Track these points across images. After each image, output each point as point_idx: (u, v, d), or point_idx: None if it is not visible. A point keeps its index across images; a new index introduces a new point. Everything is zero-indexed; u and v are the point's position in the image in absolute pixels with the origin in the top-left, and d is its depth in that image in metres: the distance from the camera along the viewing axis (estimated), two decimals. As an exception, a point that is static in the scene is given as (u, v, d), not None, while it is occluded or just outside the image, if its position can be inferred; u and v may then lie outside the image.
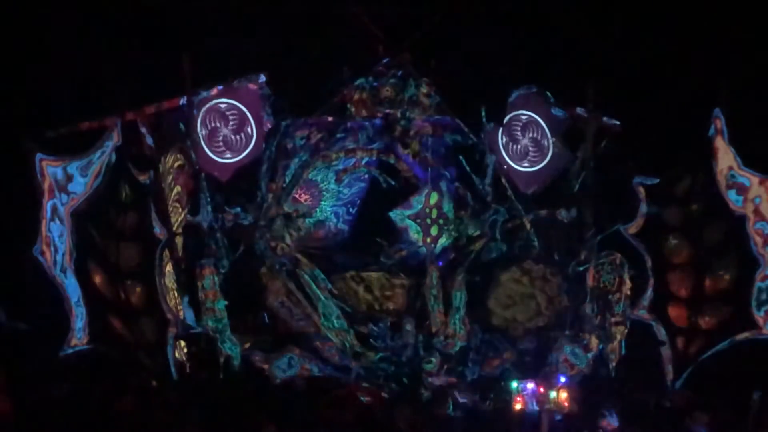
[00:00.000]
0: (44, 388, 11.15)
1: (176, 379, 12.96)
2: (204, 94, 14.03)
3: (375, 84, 14.31)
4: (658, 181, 14.39)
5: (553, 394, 13.00)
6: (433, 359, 14.00)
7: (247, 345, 13.70)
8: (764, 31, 15.00)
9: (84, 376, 11.93)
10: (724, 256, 14.20)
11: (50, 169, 12.78)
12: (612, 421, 11.97)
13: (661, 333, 14.26)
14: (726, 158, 14.17)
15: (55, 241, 12.66)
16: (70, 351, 12.56)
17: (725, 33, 15.00)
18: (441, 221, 14.74)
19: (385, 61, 14.32)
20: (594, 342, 14.24)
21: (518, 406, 12.98)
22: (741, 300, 13.99)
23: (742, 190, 14.12)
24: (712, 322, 14.17)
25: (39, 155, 12.76)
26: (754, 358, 13.71)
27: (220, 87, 14.11)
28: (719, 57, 14.96)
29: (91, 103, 13.50)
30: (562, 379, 13.29)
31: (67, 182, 12.77)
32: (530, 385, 13.17)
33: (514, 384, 13.28)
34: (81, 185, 12.83)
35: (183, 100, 13.87)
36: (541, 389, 13.10)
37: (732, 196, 14.14)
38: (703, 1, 14.79)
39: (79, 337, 12.71)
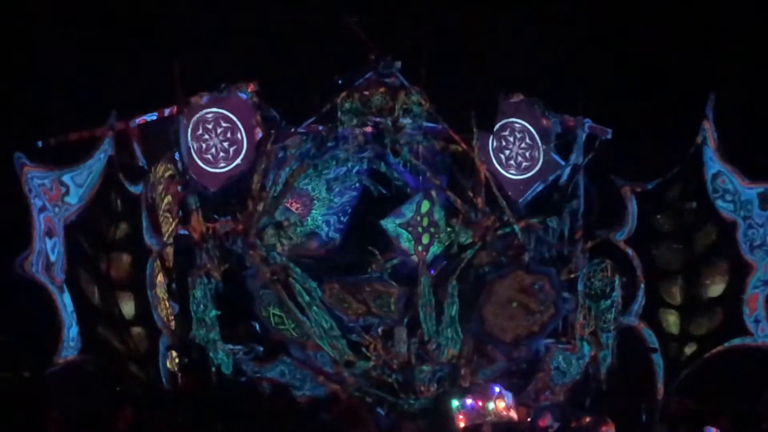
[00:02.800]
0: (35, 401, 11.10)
1: (168, 390, 12.92)
2: (194, 103, 14.03)
3: (366, 93, 14.30)
4: (648, 188, 14.42)
5: (491, 405, 13.05)
6: (425, 368, 14.01)
7: (239, 355, 13.67)
8: (754, 38, 15.08)
9: (75, 389, 11.88)
10: (715, 263, 14.24)
11: (40, 179, 12.72)
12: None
13: (652, 340, 14.30)
14: (716, 165, 14.20)
15: (47, 252, 12.61)
16: (61, 362, 12.50)
17: (716, 40, 15.07)
18: (432, 229, 14.72)
19: (376, 69, 14.30)
20: (585, 349, 14.25)
21: (461, 425, 12.99)
22: (732, 306, 14.02)
23: (732, 196, 14.16)
24: (703, 328, 14.20)
25: (27, 166, 12.72)
26: (746, 364, 13.74)
27: (211, 96, 14.08)
28: (709, 63, 15.03)
29: (81, 114, 13.48)
30: (497, 389, 13.32)
31: (59, 193, 12.72)
32: (469, 401, 13.19)
33: (455, 402, 13.29)
34: (73, 196, 12.78)
35: (173, 110, 13.86)
36: (479, 402, 13.14)
37: (722, 203, 14.17)
38: (693, 8, 14.83)
39: (70, 348, 12.66)
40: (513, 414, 12.88)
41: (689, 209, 14.36)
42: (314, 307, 14.05)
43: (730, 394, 13.82)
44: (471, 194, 14.58)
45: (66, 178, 12.79)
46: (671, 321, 14.30)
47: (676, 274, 14.36)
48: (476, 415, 12.88)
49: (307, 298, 14.05)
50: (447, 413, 13.18)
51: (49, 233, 12.66)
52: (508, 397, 13.00)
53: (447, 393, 13.84)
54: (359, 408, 12.39)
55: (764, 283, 13.94)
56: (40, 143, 13.39)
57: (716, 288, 14.19)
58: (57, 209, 12.72)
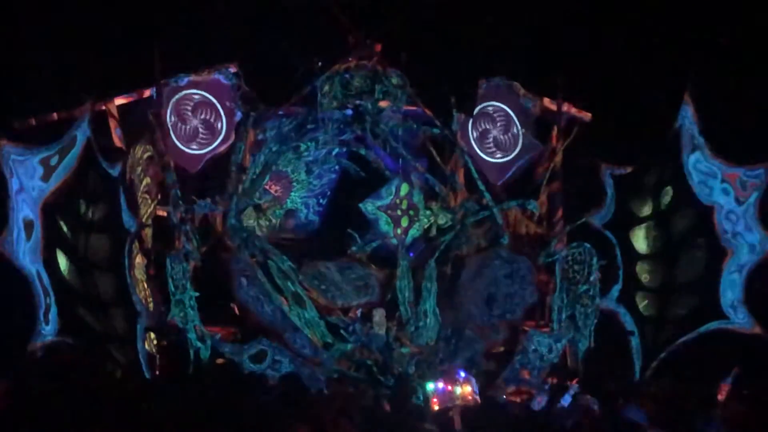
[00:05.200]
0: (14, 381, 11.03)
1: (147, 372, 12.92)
2: (173, 84, 14.00)
3: (346, 75, 14.28)
4: (627, 171, 14.44)
5: (458, 389, 13.11)
6: (404, 350, 14.03)
7: (218, 337, 13.65)
8: (733, 22, 15.10)
9: (54, 369, 11.83)
10: (693, 247, 14.28)
11: (18, 159, 12.65)
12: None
13: (629, 323, 14.34)
14: (694, 149, 14.22)
15: (25, 232, 12.55)
16: (38, 344, 12.46)
17: (694, 23, 15.08)
18: (411, 212, 14.75)
19: (355, 52, 14.28)
20: (564, 332, 14.28)
21: (435, 407, 13.05)
22: (709, 290, 14.08)
23: (710, 180, 14.18)
24: (680, 312, 14.25)
25: (6, 146, 12.64)
26: (722, 348, 13.80)
27: (190, 78, 14.06)
28: (688, 47, 15.05)
29: (60, 94, 13.43)
30: (462, 374, 13.36)
31: (36, 173, 12.65)
32: (440, 385, 13.23)
33: (430, 386, 13.33)
34: (51, 177, 12.71)
35: (152, 91, 13.83)
36: (448, 387, 13.19)
37: (700, 187, 14.20)
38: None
39: (48, 329, 12.62)
40: (478, 398, 12.94)
41: (667, 193, 14.37)
42: (293, 290, 14.06)
43: (707, 377, 13.87)
44: (450, 177, 14.60)
45: (44, 159, 12.70)
46: (648, 304, 14.34)
47: (653, 258, 14.39)
48: (447, 398, 12.94)
49: (285, 280, 14.06)
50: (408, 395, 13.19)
51: (27, 214, 12.57)
52: (473, 382, 13.06)
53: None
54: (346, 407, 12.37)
55: (740, 268, 13.96)
56: (17, 123, 13.29)
57: (693, 272, 14.22)
58: (35, 190, 12.63)
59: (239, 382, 13.01)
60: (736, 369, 12.09)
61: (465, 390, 13.06)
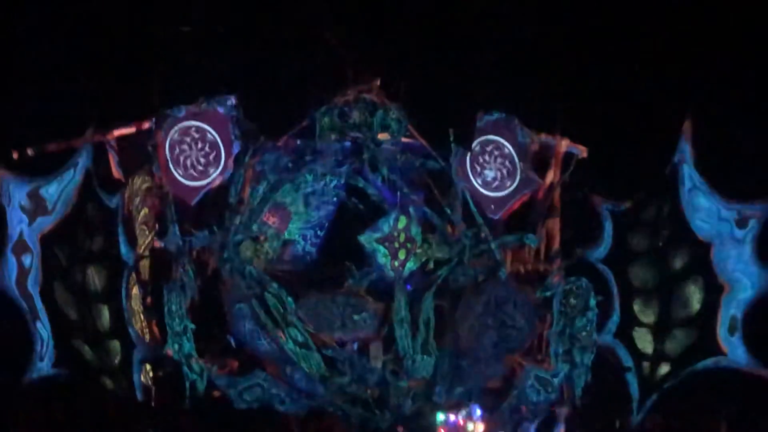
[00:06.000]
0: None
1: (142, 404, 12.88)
2: (172, 115, 14.00)
3: (344, 108, 14.32)
4: (624, 207, 14.47)
5: (470, 426, 13.10)
6: (401, 384, 14.00)
7: (214, 369, 13.62)
8: (731, 58, 15.17)
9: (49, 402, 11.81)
10: (690, 283, 14.28)
11: (17, 190, 12.66)
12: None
13: (626, 358, 14.33)
14: (692, 184, 14.25)
15: (23, 263, 12.55)
16: (35, 376, 12.42)
17: (692, 60, 15.15)
18: (409, 245, 14.72)
19: (354, 84, 14.31)
20: (560, 367, 14.26)
21: None
22: (707, 326, 14.07)
23: (708, 216, 14.21)
24: (677, 348, 14.24)
25: (5, 176, 12.65)
26: (720, 384, 13.79)
27: (189, 109, 14.06)
28: (685, 84, 15.11)
29: (59, 124, 13.44)
30: (478, 412, 13.35)
31: (35, 204, 12.66)
32: (452, 417, 13.21)
33: (441, 416, 13.29)
34: (50, 208, 12.72)
35: (151, 122, 13.84)
36: (461, 422, 13.18)
37: (697, 223, 14.23)
38: (670, 28, 14.91)
39: (44, 361, 12.58)
40: None
41: (665, 229, 14.38)
42: (290, 322, 14.03)
43: (704, 413, 13.88)
44: (448, 211, 14.61)
45: (42, 190, 12.71)
46: (645, 340, 14.32)
47: (650, 294, 14.39)
48: None
49: (282, 312, 14.03)
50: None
51: (24, 244, 12.56)
52: (488, 422, 13.09)
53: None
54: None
55: (738, 304, 13.97)
56: (15, 153, 13.29)
57: (690, 308, 14.22)
58: (33, 220, 12.63)
59: (233, 416, 13.05)
60: (732, 408, 12.08)
61: (478, 429, 13.07)
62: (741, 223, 14.00)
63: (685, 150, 14.21)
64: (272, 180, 14.42)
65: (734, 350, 13.98)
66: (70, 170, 12.94)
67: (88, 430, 11.31)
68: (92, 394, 12.60)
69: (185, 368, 13.43)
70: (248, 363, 13.80)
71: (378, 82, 14.32)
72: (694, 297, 14.21)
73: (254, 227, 14.34)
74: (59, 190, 12.84)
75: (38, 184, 12.75)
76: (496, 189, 14.93)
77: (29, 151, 13.48)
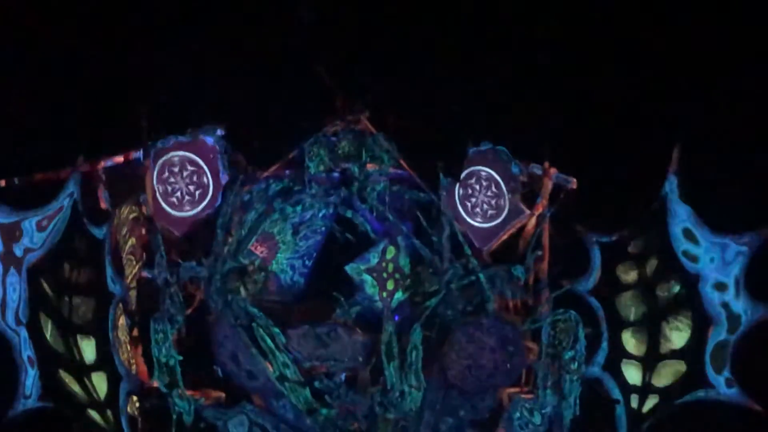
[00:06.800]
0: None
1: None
2: (160, 146, 13.96)
3: (333, 138, 14.32)
4: (613, 239, 14.47)
5: None
6: (389, 416, 13.95)
7: (200, 401, 13.55)
8: (719, 90, 15.22)
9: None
10: (679, 315, 14.29)
11: (4, 222, 12.60)
12: None
13: (615, 391, 14.31)
14: (681, 216, 14.27)
15: (9, 295, 12.48)
16: (20, 410, 12.34)
17: (680, 92, 15.20)
18: (397, 276, 14.69)
19: (343, 116, 14.31)
20: (548, 399, 14.24)
21: None
22: (695, 359, 14.07)
23: (696, 249, 14.22)
24: (665, 381, 14.24)
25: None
26: (708, 418, 13.79)
27: (177, 139, 14.03)
28: (674, 116, 15.15)
29: (46, 156, 13.39)
30: None
31: (22, 236, 12.61)
32: None
33: None
34: (37, 240, 12.67)
35: (139, 153, 13.80)
36: None
37: (686, 255, 14.24)
38: (657, 61, 14.96)
39: (29, 394, 12.50)
40: None
41: (653, 261, 14.40)
42: (277, 353, 13.96)
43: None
44: (436, 242, 14.58)
45: (29, 222, 12.66)
46: (634, 373, 14.32)
47: (639, 326, 14.39)
48: None
49: (270, 343, 13.97)
50: None
51: (10, 277, 12.51)
52: None
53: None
54: None
55: (727, 337, 13.97)
56: (2, 185, 13.24)
57: (679, 340, 14.22)
58: (18, 253, 12.57)
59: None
60: None
61: None
62: (729, 255, 14.01)
63: (673, 182, 14.24)
64: (260, 210, 14.40)
65: (723, 384, 13.96)
66: (57, 202, 12.87)
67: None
68: (78, 428, 12.46)
69: (172, 400, 13.34)
70: (235, 394, 13.74)
71: (367, 113, 14.34)
72: (683, 329, 14.21)
73: (242, 257, 14.30)
74: (47, 222, 12.80)
75: (25, 216, 12.69)
76: (485, 220, 14.93)
77: (15, 181, 13.44)
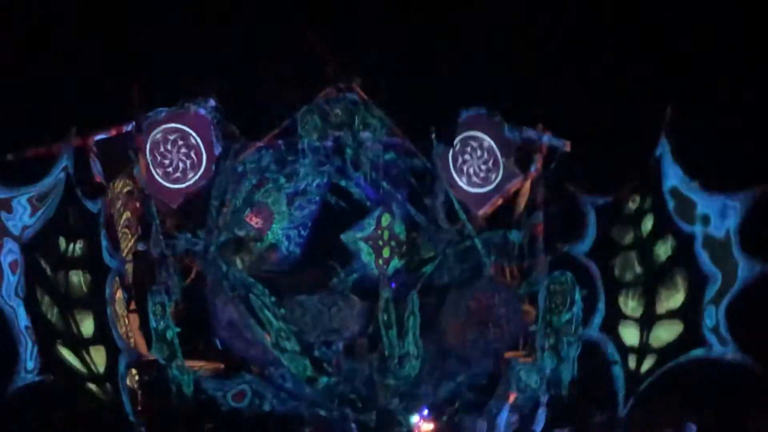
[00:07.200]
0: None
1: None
2: (152, 118, 13.93)
3: (326, 107, 14.28)
4: (607, 200, 14.46)
5: (425, 426, 13.26)
6: (387, 382, 13.98)
7: (199, 372, 13.58)
8: (710, 52, 15.19)
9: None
10: (674, 275, 14.29)
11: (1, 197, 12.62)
12: None
13: (612, 352, 14.33)
14: (674, 177, 14.25)
15: (5, 270, 12.48)
16: (20, 384, 12.37)
17: (671, 54, 15.16)
18: (393, 243, 14.70)
19: (335, 84, 14.27)
20: (547, 362, 14.25)
21: None
22: (691, 318, 14.09)
23: (690, 208, 14.22)
24: (662, 340, 14.25)
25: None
26: (705, 375, 13.81)
27: (169, 111, 13.99)
28: (666, 78, 15.12)
29: (38, 130, 13.36)
30: (425, 412, 13.44)
31: (17, 212, 12.59)
32: (416, 418, 13.38)
33: (414, 419, 13.40)
34: (32, 215, 12.66)
35: (131, 126, 13.77)
36: (420, 423, 13.32)
37: (680, 215, 14.23)
38: (649, 24, 14.92)
39: (29, 368, 12.52)
40: None
41: (648, 222, 14.38)
42: (275, 323, 13.98)
43: (690, 405, 13.91)
44: (431, 208, 14.58)
45: (24, 198, 12.64)
46: (631, 333, 14.32)
47: (635, 287, 14.39)
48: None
49: (268, 314, 13.98)
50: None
51: (10, 253, 12.52)
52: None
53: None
54: None
55: (722, 295, 13.97)
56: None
57: (675, 300, 14.23)
58: (17, 228, 12.57)
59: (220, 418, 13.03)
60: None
61: (426, 427, 13.23)
62: (723, 213, 13.99)
63: (666, 143, 14.21)
64: (254, 181, 14.38)
65: (719, 341, 13.97)
66: (51, 176, 12.84)
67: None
68: (78, 401, 12.50)
69: (171, 372, 13.37)
70: (234, 365, 13.76)
71: (359, 81, 14.29)
72: (679, 289, 14.21)
73: (237, 229, 14.29)
74: (41, 197, 12.77)
75: (20, 192, 12.66)
76: (479, 185, 14.91)
77: (9, 157, 13.41)
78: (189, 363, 13.54)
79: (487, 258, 14.52)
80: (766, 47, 15.34)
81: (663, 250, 14.33)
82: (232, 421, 13.12)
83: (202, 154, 14.10)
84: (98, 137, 13.65)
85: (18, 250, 12.62)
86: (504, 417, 13.24)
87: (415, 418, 13.29)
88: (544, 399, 13.65)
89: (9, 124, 13.68)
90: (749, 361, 13.85)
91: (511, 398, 13.13)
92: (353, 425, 13.48)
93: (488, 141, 14.91)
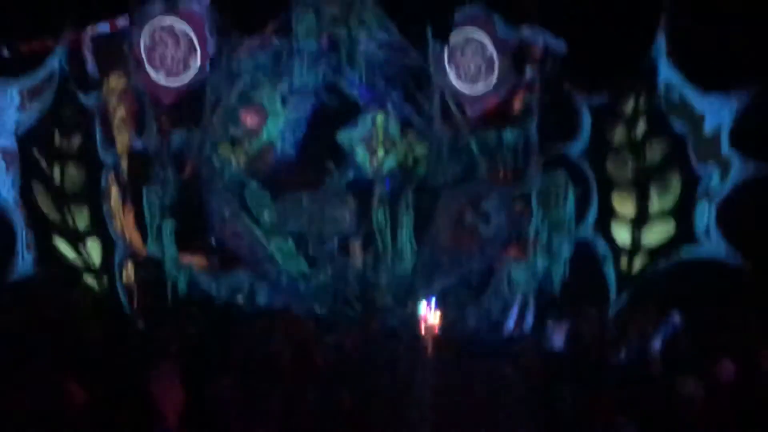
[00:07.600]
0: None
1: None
2: (147, 13, 13.82)
3: (321, 4, 14.17)
4: (602, 101, 14.46)
5: (431, 317, 13.32)
6: (381, 280, 14.09)
7: (195, 268, 13.65)
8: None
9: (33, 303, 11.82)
10: (667, 175, 14.34)
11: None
12: None
13: (605, 251, 14.43)
14: (669, 77, 14.23)
15: (3, 162, 12.48)
16: (17, 276, 12.42)
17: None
18: (387, 143, 14.71)
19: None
20: (538, 261, 14.37)
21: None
22: (683, 218, 14.17)
23: (684, 108, 14.22)
24: (655, 240, 14.35)
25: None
26: (697, 275, 13.91)
27: (164, 6, 13.88)
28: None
29: (33, 24, 13.24)
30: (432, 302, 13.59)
31: (13, 103, 12.54)
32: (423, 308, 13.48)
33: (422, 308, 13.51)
34: (27, 107, 12.61)
35: (125, 20, 13.66)
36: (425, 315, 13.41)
37: (674, 115, 14.24)
38: None
39: (25, 260, 12.57)
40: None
41: (641, 122, 14.40)
42: (270, 221, 14.04)
43: (679, 304, 14.01)
44: (426, 108, 14.56)
45: (18, 90, 12.58)
46: (623, 233, 14.42)
47: (628, 187, 14.45)
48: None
49: (262, 211, 14.03)
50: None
51: (4, 144, 12.49)
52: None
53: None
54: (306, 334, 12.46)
55: (714, 195, 14.03)
56: (-10, 54, 13.14)
57: (668, 200, 14.29)
58: (10, 120, 12.53)
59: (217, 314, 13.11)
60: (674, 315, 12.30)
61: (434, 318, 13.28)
62: (717, 113, 14.00)
63: (662, 43, 14.18)
64: (248, 80, 14.31)
65: (710, 241, 14.07)
66: (45, 70, 12.76)
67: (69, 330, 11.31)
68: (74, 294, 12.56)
69: (166, 268, 13.43)
70: (229, 261, 13.84)
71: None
72: (672, 189, 14.27)
73: (232, 127, 14.27)
74: (38, 90, 12.72)
75: (16, 83, 12.60)
76: (474, 85, 14.87)
77: (3, 51, 13.32)
78: (184, 259, 13.60)
79: (481, 158, 14.57)
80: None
81: (656, 150, 14.36)
82: (227, 316, 13.17)
83: (196, 50, 14.02)
84: (93, 32, 13.57)
85: (12, 141, 12.57)
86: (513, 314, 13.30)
87: (422, 308, 13.30)
88: (531, 298, 13.77)
89: (1, 17, 13.51)
90: (741, 260, 13.95)
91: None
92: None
93: (485, 40, 14.85)
